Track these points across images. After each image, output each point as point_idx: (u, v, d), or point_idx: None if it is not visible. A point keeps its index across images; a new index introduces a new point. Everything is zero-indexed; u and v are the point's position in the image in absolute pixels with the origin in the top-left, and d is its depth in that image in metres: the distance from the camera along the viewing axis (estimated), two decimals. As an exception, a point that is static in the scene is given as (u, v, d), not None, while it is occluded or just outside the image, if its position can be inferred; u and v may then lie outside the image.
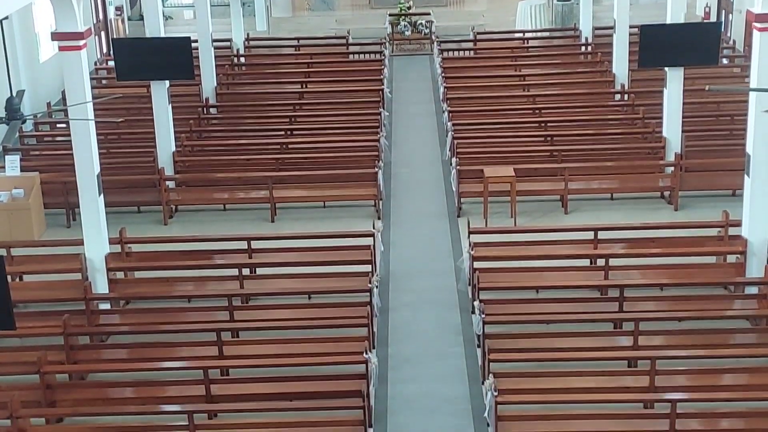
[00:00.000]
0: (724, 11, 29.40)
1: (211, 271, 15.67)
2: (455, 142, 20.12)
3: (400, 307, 15.13)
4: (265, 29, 32.84)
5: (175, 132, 19.87)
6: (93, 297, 14.50)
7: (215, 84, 23.90)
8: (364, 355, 12.38)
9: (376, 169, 19.01)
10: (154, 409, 12.03)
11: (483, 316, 13.24)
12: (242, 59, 27.96)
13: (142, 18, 29.61)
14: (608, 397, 11.99)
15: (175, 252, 16.13)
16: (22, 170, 18.51)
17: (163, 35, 19.30)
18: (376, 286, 14.66)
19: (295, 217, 18.60)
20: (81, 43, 14.13)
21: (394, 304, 15.26)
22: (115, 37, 30.36)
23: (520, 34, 29.98)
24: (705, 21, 28.38)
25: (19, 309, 14.20)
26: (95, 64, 27.81)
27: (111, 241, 15.38)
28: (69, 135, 15.02)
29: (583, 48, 27.43)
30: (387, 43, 29.71)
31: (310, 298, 14.93)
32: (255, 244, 15.96)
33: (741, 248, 14.80)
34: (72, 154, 14.80)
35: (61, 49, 14.32)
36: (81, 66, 14.25)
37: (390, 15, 31.31)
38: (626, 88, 23.13)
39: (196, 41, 22.64)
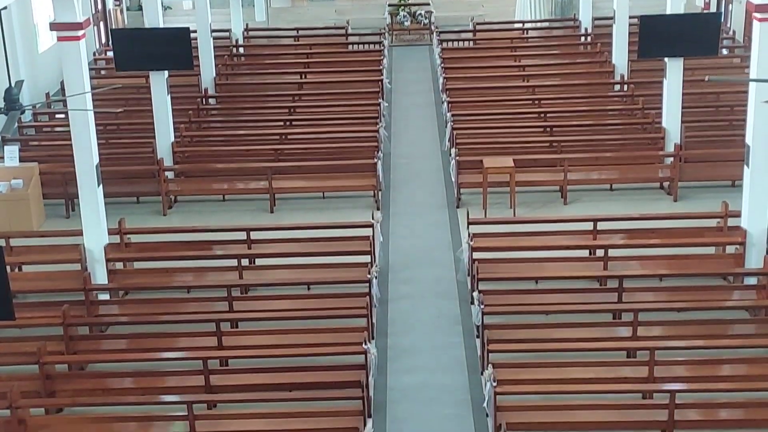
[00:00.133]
0: (723, 1, 29.36)
1: (211, 261, 15.67)
2: (454, 132, 20.11)
3: (400, 298, 15.14)
4: (264, 20, 32.79)
5: (174, 122, 19.85)
6: (92, 287, 14.50)
7: (214, 74, 23.88)
8: (364, 345, 12.39)
9: (376, 160, 19.00)
10: (154, 399, 12.04)
11: (482, 306, 13.25)
12: (241, 50, 27.94)
13: (141, 8, 29.64)
14: (607, 387, 12.00)
15: (174, 242, 16.13)
16: (21, 161, 18.49)
17: (162, 25, 19.27)
18: (376, 277, 14.66)
19: (295, 208, 18.60)
20: (80, 33, 14.11)
21: (394, 294, 15.27)
22: (114, 27, 30.32)
23: (520, 25, 29.97)
24: (705, 11, 28.32)
25: (18, 300, 14.19)
26: (94, 54, 27.77)
27: (110, 232, 15.37)
28: (68, 125, 15.00)
29: (582, 38, 27.41)
30: (386, 34, 29.68)
31: (309, 288, 14.93)
32: (254, 235, 15.96)
33: (740, 239, 14.80)
34: (71, 145, 14.79)
35: (59, 39, 14.30)
36: (80, 56, 14.22)
37: (389, 5, 31.31)
38: (626, 78, 23.11)
39: (195, 32, 22.63)
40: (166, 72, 19.15)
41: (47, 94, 23.57)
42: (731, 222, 15.40)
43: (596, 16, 27.70)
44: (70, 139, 14.82)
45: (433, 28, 30.01)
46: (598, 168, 19.00)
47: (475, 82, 23.96)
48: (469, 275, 15.22)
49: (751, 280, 14.39)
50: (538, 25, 30.23)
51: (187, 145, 20.50)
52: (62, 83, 21.34)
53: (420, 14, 30.68)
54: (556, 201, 18.45)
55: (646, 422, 11.47)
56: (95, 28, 29.45)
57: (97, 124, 15.44)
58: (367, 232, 15.84)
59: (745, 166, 14.51)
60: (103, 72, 26.39)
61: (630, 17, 22.81)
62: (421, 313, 14.66)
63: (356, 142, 20.36)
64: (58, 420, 11.96)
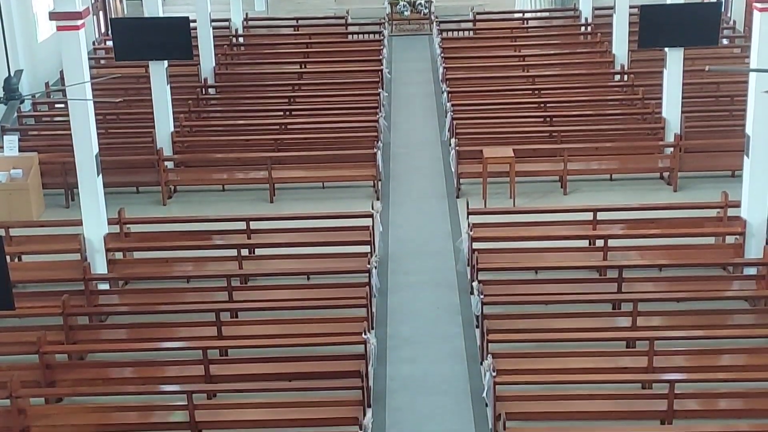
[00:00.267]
0: (724, -9, 29.30)
1: (210, 251, 15.67)
2: (454, 122, 20.09)
3: (399, 288, 15.14)
4: (264, 9, 32.73)
5: (173, 112, 19.83)
6: (92, 277, 14.50)
7: (214, 64, 23.84)
8: (363, 335, 12.40)
9: (375, 150, 18.99)
10: (154, 389, 12.06)
11: (482, 296, 13.26)
12: (241, 39, 27.88)
13: (140, -2, 29.52)
14: (606, 377, 12.02)
15: (173, 232, 16.14)
16: (20, 150, 18.48)
17: (161, 15, 19.22)
18: (375, 267, 14.66)
19: (294, 198, 18.59)
20: (79, 22, 14.09)
21: (393, 284, 15.27)
22: (113, 16, 30.25)
23: (520, 15, 29.91)
24: (705, 1, 28.22)
25: (18, 289, 14.20)
26: (93, 44, 27.71)
27: (110, 222, 15.37)
28: (67, 115, 15.00)
29: (582, 28, 27.36)
30: (386, 24, 29.63)
31: (308, 278, 14.93)
32: (254, 225, 15.96)
33: (740, 229, 14.80)
34: (70, 134, 14.77)
35: (59, 28, 14.27)
36: (79, 46, 14.20)
37: (389, -5, 31.22)
38: (626, 68, 23.08)
39: (194, 21, 22.59)
40: (166, 62, 19.12)
41: (47, 84, 23.53)
42: (731, 212, 15.40)
43: (596, 5, 27.64)
44: (69, 129, 14.81)
45: (433, 17, 29.96)
46: (597, 158, 18.98)
47: (475, 72, 23.92)
48: (468, 265, 15.22)
49: (751, 271, 14.39)
50: (539, 14, 30.19)
51: (186, 134, 20.48)
52: (62, 73, 21.34)
53: (420, 4, 30.60)
54: (555, 191, 18.44)
55: (645, 412, 11.49)
56: (94, 17, 29.37)
57: (96, 114, 15.43)
58: (367, 222, 15.83)
59: (745, 157, 14.50)
60: (102, 62, 26.35)
61: (630, 7, 22.77)
62: (420, 303, 14.67)
63: (356, 132, 20.33)
64: (58, 410, 11.97)
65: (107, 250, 15.10)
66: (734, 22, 27.29)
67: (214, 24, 24.59)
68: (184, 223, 16.55)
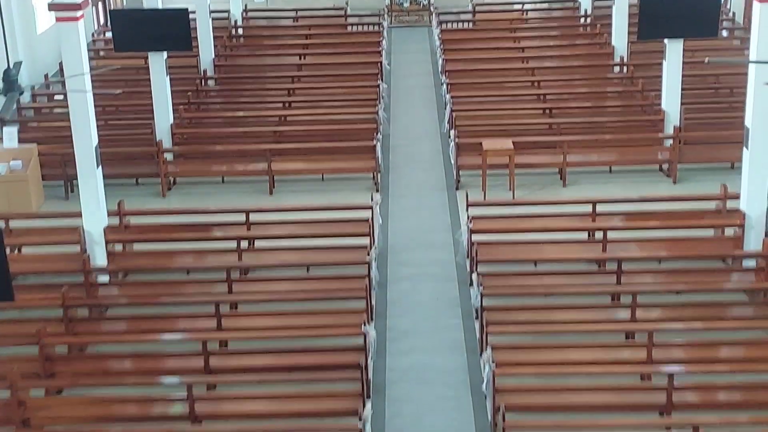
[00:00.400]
0: (724, -17, 29.27)
1: (210, 243, 15.68)
2: (454, 114, 20.08)
3: (399, 280, 15.15)
4: (263, 0, 32.66)
5: (173, 104, 19.81)
6: (91, 269, 14.50)
7: (213, 56, 23.82)
8: (363, 327, 12.42)
9: (375, 142, 18.98)
10: (153, 380, 12.07)
11: (481, 288, 13.27)
12: (240, 31, 27.85)
13: (139, -11, 29.45)
14: (605, 369, 12.03)
15: (173, 225, 16.13)
16: (19, 142, 18.47)
17: (160, 6, 19.17)
18: (375, 259, 14.68)
19: (294, 190, 18.59)
20: (78, 14, 14.07)
21: (393, 276, 15.28)
22: (112, 8, 30.19)
23: (520, 6, 29.85)
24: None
25: (17, 281, 14.19)
26: (93, 35, 27.69)
27: (109, 214, 15.36)
28: (67, 107, 14.98)
29: (582, 20, 27.35)
30: (385, 15, 29.58)
31: (308, 270, 14.94)
32: (253, 217, 15.95)
33: (739, 221, 14.80)
34: (70, 126, 14.76)
35: (58, 20, 14.25)
36: (78, 37, 14.18)
37: (388, -14, 31.15)
38: (625, 60, 23.06)
39: (194, 12, 22.56)
40: (165, 53, 19.11)
41: (46, 76, 23.51)
42: (730, 204, 15.39)
43: (596, -3, 27.64)
44: (69, 121, 14.79)
45: (432, 9, 29.91)
46: (597, 150, 18.99)
47: (474, 63, 23.89)
48: (468, 257, 15.23)
49: (750, 263, 14.40)
50: (538, 6, 30.13)
51: (186, 126, 20.47)
52: (61, 64, 21.30)
53: (419, -5, 30.58)
54: (555, 183, 18.44)
55: (644, 404, 11.50)
56: (94, 8, 29.33)
57: (96, 106, 15.42)
58: (367, 214, 15.83)
59: (745, 149, 14.50)
60: (101, 53, 26.31)
61: (630, -1, 22.76)
62: (420, 295, 14.68)
63: (355, 123, 20.33)
64: (58, 401, 11.99)
65: (107, 242, 15.10)
66: (734, 13, 27.28)
67: (213, 15, 24.55)
68: (183, 215, 16.55)
